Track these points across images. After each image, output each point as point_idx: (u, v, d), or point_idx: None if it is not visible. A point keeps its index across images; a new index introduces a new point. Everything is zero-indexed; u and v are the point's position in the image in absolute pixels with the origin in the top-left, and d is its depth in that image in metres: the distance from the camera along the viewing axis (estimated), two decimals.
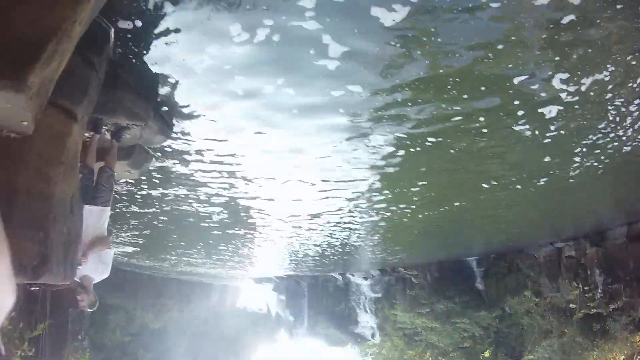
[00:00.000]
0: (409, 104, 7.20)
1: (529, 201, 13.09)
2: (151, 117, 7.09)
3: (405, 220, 14.30)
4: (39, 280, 4.06)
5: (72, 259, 5.04)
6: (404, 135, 8.23)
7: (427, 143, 8.48)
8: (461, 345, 25.81)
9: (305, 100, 7.11)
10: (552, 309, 21.17)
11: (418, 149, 8.70)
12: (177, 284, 35.19)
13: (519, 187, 11.47)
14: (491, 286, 24.52)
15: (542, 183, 11.22)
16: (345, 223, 14.67)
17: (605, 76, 6.67)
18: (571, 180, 11.03)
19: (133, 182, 10.50)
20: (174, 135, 8.17)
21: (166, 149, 8.73)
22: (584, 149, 9.28)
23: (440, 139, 8.40)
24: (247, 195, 11.61)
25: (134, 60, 6.29)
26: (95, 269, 6.68)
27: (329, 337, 35.22)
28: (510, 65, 6.37)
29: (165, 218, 13.99)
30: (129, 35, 5.67)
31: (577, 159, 9.76)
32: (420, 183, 10.93)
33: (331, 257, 21.91)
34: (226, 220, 14.24)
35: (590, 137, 8.75)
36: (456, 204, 13.00)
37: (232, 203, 12.22)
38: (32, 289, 6.73)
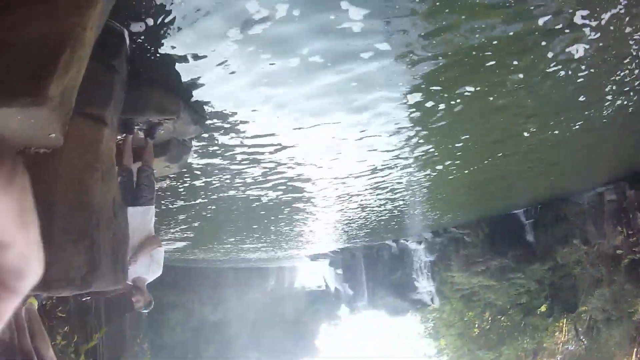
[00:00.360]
0: (440, 54, 7.04)
1: (567, 146, 12.80)
2: (182, 109, 7.01)
3: (451, 177, 14.07)
4: (90, 288, 4.06)
5: (122, 263, 5.04)
6: (440, 88, 8.07)
7: (465, 93, 8.28)
8: (518, 302, 25.62)
9: (337, 68, 6.99)
10: (601, 257, 20.78)
11: (458, 100, 8.51)
12: (233, 272, 35.32)
13: (557, 132, 11.23)
14: (540, 237, 24.13)
15: (577, 127, 11.02)
16: (392, 187, 14.48)
17: (620, 10, 6.51)
18: (604, 121, 10.79)
19: (175, 176, 10.43)
20: (209, 122, 8.10)
21: (203, 136, 8.66)
22: (614, 87, 9.08)
23: (477, 88, 8.20)
24: (292, 173, 11.53)
25: (153, 57, 6.20)
26: (147, 269, 6.69)
27: (389, 307, 35.03)
28: (532, 8, 6.21)
29: (213, 207, 13.91)
30: (144, 35, 5.60)
31: (608, 97, 9.56)
32: (463, 137, 10.73)
33: (383, 224, 21.71)
34: (275, 201, 14.12)
35: (618, 73, 8.55)
36: (499, 154, 12.74)
37: (280, 182, 12.12)
38: (84, 299, 6.77)
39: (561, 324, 24.21)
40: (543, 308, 24.78)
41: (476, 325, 28.24)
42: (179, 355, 26.77)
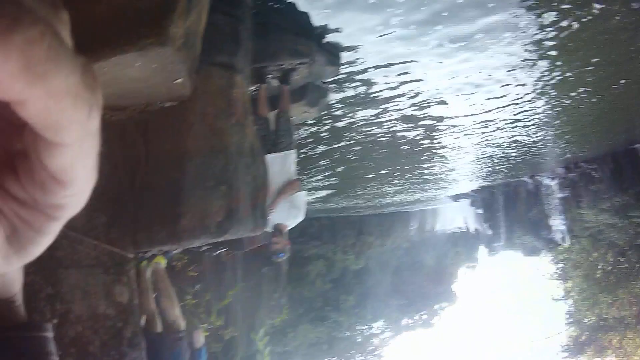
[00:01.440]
0: None
1: None
2: (315, 52, 6.83)
3: (581, 107, 13.02)
4: (226, 235, 3.89)
5: (262, 209, 4.85)
6: (570, 6, 7.29)
7: (593, 11, 7.45)
8: (635, 242, 23.65)
9: None
10: None
11: (589, 17, 7.65)
12: (376, 218, 34.38)
13: None
14: None
15: None
16: (527, 119, 13.57)
17: None
18: None
19: (314, 121, 10.20)
20: (345, 62, 7.80)
21: (340, 77, 8.33)
22: None
23: (603, 5, 7.34)
24: (433, 110, 11.06)
25: (278, 4, 6.12)
26: (287, 214, 6.59)
27: (525, 246, 33.24)
28: None
29: (357, 148, 13.56)
30: None
31: None
32: (593, 60, 9.70)
33: (518, 158, 20.60)
34: (416, 139, 13.63)
35: None
36: (621, 82, 11.52)
37: (422, 118, 11.66)
38: (220, 251, 6.70)
39: None
40: None
41: (599, 267, 26.59)
42: (318, 307, 26.73)
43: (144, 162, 3.86)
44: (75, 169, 0.52)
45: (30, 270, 3.55)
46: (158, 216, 3.77)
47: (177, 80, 3.59)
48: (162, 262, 5.55)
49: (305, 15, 6.61)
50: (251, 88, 6.17)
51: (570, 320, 30.71)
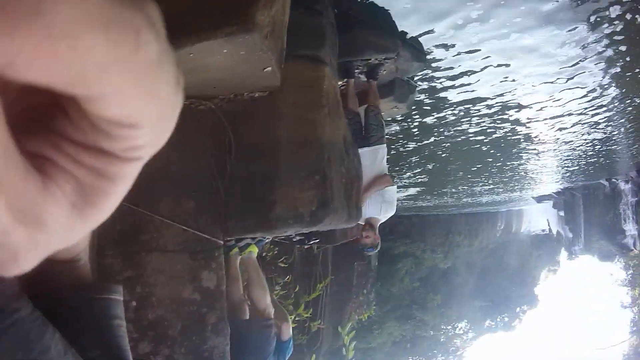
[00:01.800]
0: None
1: None
2: (400, 47, 6.75)
3: None
4: (320, 225, 3.78)
5: (356, 200, 4.73)
6: None
7: None
8: None
9: None
10: None
11: None
12: (465, 217, 34.18)
13: None
14: None
15: None
16: (603, 119, 12.95)
17: None
18: None
19: (403, 117, 10.08)
20: (431, 57, 7.72)
21: (426, 71, 8.22)
22: None
23: None
24: (518, 108, 10.74)
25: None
26: (379, 208, 6.54)
27: (601, 251, 31.94)
28: None
29: (447, 144, 13.33)
30: None
31: None
32: None
33: (595, 158, 19.69)
34: (503, 138, 13.32)
35: None
36: None
37: (509, 116, 11.34)
38: (311, 243, 6.66)
39: None
40: None
41: None
42: (405, 305, 26.19)
43: (234, 150, 3.81)
44: (142, 106, 0.42)
45: (109, 253, 3.59)
46: (250, 204, 3.72)
47: (267, 69, 3.49)
48: (254, 251, 5.54)
49: (387, 11, 6.60)
50: (339, 83, 6.17)
51: (634, 328, 30.22)
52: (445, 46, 7.57)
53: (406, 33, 7.03)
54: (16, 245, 0.45)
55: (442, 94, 9.37)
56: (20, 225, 0.43)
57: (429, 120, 10.70)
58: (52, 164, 0.44)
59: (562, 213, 36.53)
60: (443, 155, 14.45)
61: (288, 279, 8.04)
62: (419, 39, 7.23)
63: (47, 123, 0.45)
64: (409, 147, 12.65)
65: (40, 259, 0.49)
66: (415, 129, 11.22)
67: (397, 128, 10.89)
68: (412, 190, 20.36)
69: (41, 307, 0.71)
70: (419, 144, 12.55)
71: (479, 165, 17.94)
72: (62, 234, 0.48)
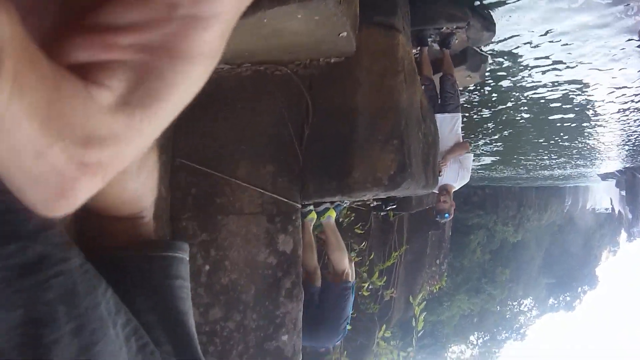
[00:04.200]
0: None
1: None
2: (470, 16, 6.65)
3: None
4: (399, 189, 3.65)
5: (433, 167, 4.63)
6: None
7: None
8: None
9: None
10: None
11: None
12: (536, 191, 33.26)
13: None
14: None
15: None
16: None
17: None
18: None
19: (477, 86, 9.93)
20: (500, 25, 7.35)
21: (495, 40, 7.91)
22: None
23: None
24: (594, 75, 10.02)
25: None
26: (455, 175, 6.58)
27: None
28: None
29: (525, 108, 12.75)
30: None
31: None
32: None
33: None
34: (578, 105, 12.56)
35: None
36: None
37: (582, 86, 10.74)
38: (389, 209, 6.61)
39: None
40: None
41: None
42: (475, 278, 25.76)
43: (312, 115, 3.73)
44: None
45: (184, 216, 3.60)
46: (328, 168, 3.64)
47: (342, 34, 3.38)
48: (332, 215, 5.49)
49: None
50: (413, 51, 6.06)
51: None
52: (513, 11, 7.23)
53: (475, 1, 6.85)
54: (58, 169, 0.39)
55: (515, 60, 9.05)
56: (58, 142, 0.37)
57: (504, 84, 10.35)
58: (99, 67, 0.39)
59: (623, 192, 35.21)
60: (519, 121, 14.01)
61: (363, 245, 7.97)
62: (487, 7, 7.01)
63: (95, 19, 0.38)
64: (484, 114, 12.37)
65: (100, 184, 0.44)
66: (490, 93, 10.94)
67: (471, 96, 10.66)
68: (487, 160, 20.07)
69: (98, 265, 0.65)
70: (494, 109, 12.23)
71: (552, 136, 17.38)
72: (121, 146, 0.41)
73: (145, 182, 0.73)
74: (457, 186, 6.68)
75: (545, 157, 21.59)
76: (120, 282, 0.69)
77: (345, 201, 5.54)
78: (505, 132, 15.26)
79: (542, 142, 17.98)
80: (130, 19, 0.38)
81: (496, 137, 15.75)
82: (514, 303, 34.65)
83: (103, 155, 0.41)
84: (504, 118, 13.15)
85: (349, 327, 5.57)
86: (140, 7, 0.38)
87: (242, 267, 3.57)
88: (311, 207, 5.10)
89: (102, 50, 0.38)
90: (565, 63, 9.18)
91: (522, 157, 21.31)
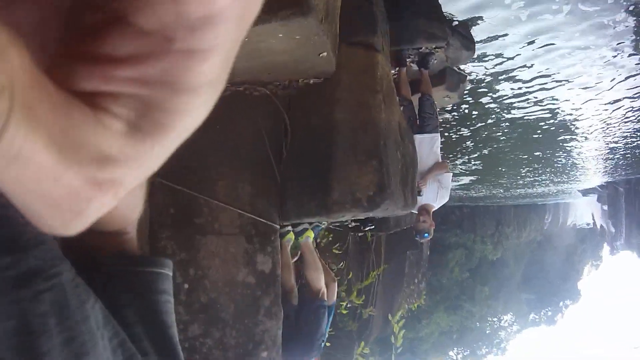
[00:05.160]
0: None
1: None
2: (450, 35, 6.64)
3: None
4: (378, 209, 3.66)
5: (412, 187, 4.63)
6: None
7: None
8: None
9: None
10: None
11: None
12: (514, 209, 33.48)
13: None
14: None
15: None
16: None
17: None
18: None
19: (454, 107, 10.01)
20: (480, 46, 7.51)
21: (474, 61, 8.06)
22: None
23: None
24: (571, 91, 10.23)
25: None
26: (435, 195, 6.56)
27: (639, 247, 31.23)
28: None
29: (506, 124, 12.78)
30: None
31: None
32: None
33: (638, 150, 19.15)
34: (556, 121, 12.75)
35: None
36: None
37: (560, 101, 10.93)
38: (366, 230, 6.64)
39: None
40: None
41: None
42: (454, 296, 25.84)
43: (290, 135, 3.73)
44: None
45: (163, 235, 3.58)
46: (307, 188, 3.64)
47: (322, 54, 3.39)
48: (311, 236, 5.46)
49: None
50: (392, 72, 6.09)
51: None
52: (493, 31, 7.43)
53: (453, 21, 6.99)
54: (74, 191, 0.42)
55: (492, 78, 9.17)
56: (73, 166, 0.40)
57: (482, 102, 10.43)
58: (106, 95, 0.40)
59: (605, 207, 35.70)
60: (500, 137, 14.07)
61: (342, 265, 7.97)
62: (466, 26, 7.14)
63: (95, 49, 0.39)
64: (462, 133, 12.43)
65: (110, 204, 0.46)
66: (470, 114, 11.05)
67: (449, 115, 10.72)
68: (466, 180, 20.21)
69: (85, 277, 0.65)
70: (472, 128, 12.29)
71: (528, 154, 17.63)
72: (132, 166, 0.44)
73: (134, 198, 0.74)
74: (436, 206, 6.67)
75: (526, 174, 21.81)
76: (109, 295, 0.70)
77: (324, 222, 5.54)
78: (485, 151, 15.38)
79: (523, 157, 18.07)
80: (129, 51, 0.38)
81: (475, 155, 15.83)
82: (494, 319, 34.84)
83: (115, 174, 0.43)
84: (483, 135, 13.24)
85: (326, 343, 5.58)
86: (138, 39, 0.38)
87: (221, 286, 3.56)
88: (289, 228, 5.11)
89: (103, 82, 0.39)
90: (548, 76, 9.32)
91: (501, 175, 21.53)
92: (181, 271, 3.51)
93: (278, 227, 3.63)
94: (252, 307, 3.63)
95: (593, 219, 43.02)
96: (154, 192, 3.45)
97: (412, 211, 6.39)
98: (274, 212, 3.65)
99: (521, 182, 23.71)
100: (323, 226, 5.79)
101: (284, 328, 3.88)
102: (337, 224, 6.96)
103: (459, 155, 15.26)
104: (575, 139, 15.48)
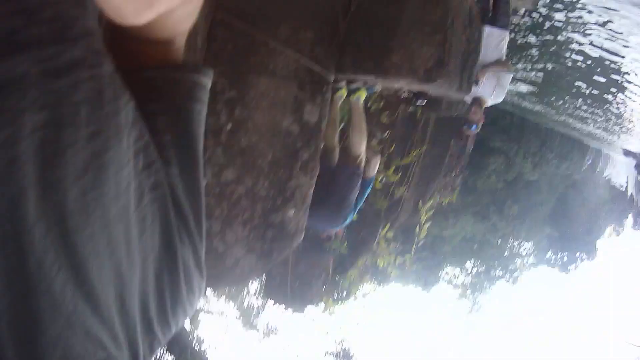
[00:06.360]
0: None
1: None
2: None
3: None
4: (433, 83, 3.56)
5: (470, 72, 4.50)
6: None
7: None
8: None
9: None
10: None
11: None
12: (560, 138, 32.17)
13: None
14: None
15: None
16: None
17: None
18: None
19: (527, 11, 9.63)
20: None
21: None
22: None
23: None
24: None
25: None
26: (490, 90, 6.42)
27: None
28: None
29: (578, 49, 11.99)
30: None
31: None
32: None
33: None
34: (616, 66, 11.91)
35: None
36: None
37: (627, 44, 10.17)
38: (418, 104, 6.52)
39: None
40: None
41: None
42: (484, 203, 25.57)
43: None
44: None
45: (216, 70, 3.46)
46: (368, 45, 3.53)
47: None
48: (362, 95, 5.32)
49: None
50: None
51: None
52: None
53: None
54: None
55: None
56: None
57: (556, 16, 9.96)
58: None
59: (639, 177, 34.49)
60: (567, 59, 13.32)
61: (386, 135, 7.88)
62: None
63: None
64: (530, 40, 11.98)
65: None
66: (541, 22, 10.58)
67: (520, 20, 10.33)
68: (523, 88, 19.48)
69: (124, 81, 0.65)
70: (542, 38, 11.80)
71: (589, 87, 16.47)
72: None
73: (188, 7, 0.72)
74: (490, 102, 6.57)
75: (580, 106, 21.05)
76: (144, 100, 0.71)
77: (377, 86, 5.39)
78: (549, 65, 14.77)
79: (582, 89, 17.15)
80: None
81: (539, 66, 15.23)
82: (515, 242, 34.78)
83: None
84: (551, 49, 12.67)
85: (354, 216, 5.60)
86: None
87: (263, 130, 3.49)
88: (343, 84, 5.00)
89: None
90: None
91: (560, 97, 20.78)
92: (227, 110, 3.43)
93: (332, 78, 3.56)
94: (290, 158, 3.58)
95: (627, 183, 41.63)
96: (214, 26, 3.36)
97: (466, 100, 6.42)
98: (332, 63, 3.56)
99: (575, 112, 22.81)
100: (376, 90, 5.65)
101: (315, 188, 3.84)
102: (390, 93, 6.85)
103: (522, 61, 14.70)
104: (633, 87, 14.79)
